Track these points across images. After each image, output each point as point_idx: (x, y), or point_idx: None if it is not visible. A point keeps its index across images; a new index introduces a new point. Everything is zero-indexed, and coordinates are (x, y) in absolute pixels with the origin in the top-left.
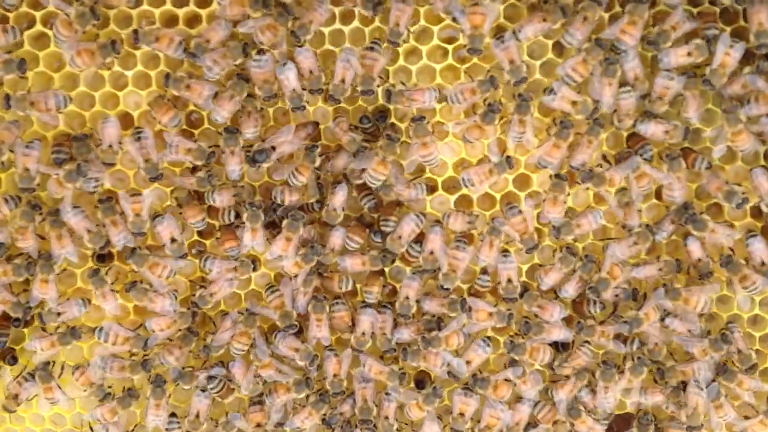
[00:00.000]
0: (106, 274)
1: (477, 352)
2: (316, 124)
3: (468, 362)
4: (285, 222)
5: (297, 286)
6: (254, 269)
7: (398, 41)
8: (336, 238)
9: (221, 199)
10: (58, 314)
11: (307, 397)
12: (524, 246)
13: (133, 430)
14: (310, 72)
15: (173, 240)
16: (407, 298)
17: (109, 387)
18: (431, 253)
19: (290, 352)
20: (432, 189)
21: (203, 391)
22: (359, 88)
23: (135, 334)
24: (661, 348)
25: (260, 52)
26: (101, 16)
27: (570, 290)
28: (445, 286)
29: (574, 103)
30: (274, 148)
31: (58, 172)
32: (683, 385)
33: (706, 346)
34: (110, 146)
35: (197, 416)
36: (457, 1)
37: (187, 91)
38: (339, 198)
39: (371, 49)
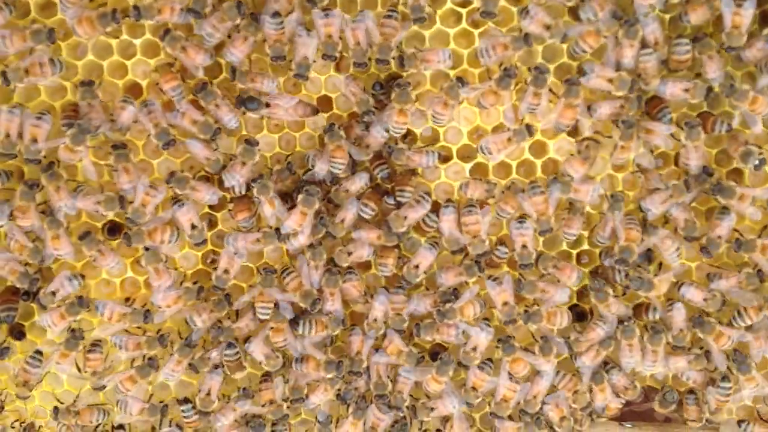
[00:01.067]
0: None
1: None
2: (317, 110)
3: None
4: (300, 197)
5: (306, 261)
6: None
7: (423, 15)
8: (348, 212)
9: (238, 179)
10: (53, 293)
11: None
12: (539, 227)
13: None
14: (329, 37)
15: (193, 226)
16: (416, 266)
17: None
18: (451, 234)
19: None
20: (446, 158)
21: (216, 368)
22: (376, 56)
23: (132, 309)
24: (685, 334)
25: (276, 14)
26: None
27: (606, 234)
28: (477, 253)
29: (610, 80)
30: (269, 104)
31: (63, 140)
32: (707, 353)
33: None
34: (120, 128)
35: (208, 393)
36: None
37: (182, 53)
38: (357, 184)
39: (389, 17)
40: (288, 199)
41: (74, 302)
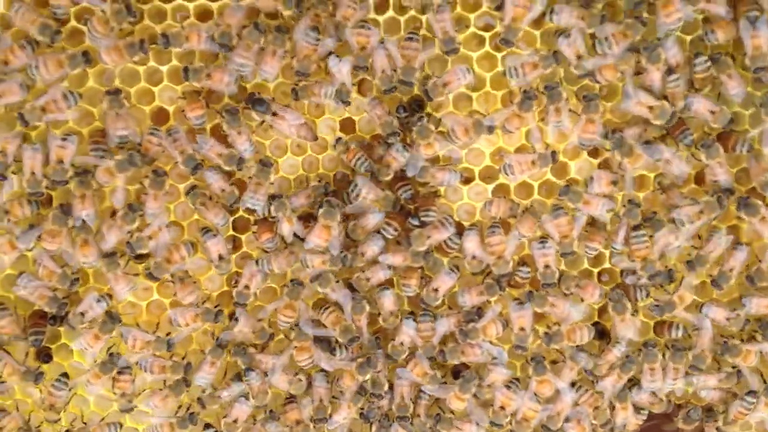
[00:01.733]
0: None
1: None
2: (316, 138)
3: None
4: (321, 210)
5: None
6: None
7: (456, 47)
8: (371, 220)
9: (258, 199)
10: (83, 314)
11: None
12: (562, 249)
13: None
14: (383, 71)
15: (221, 257)
16: (436, 290)
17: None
18: (474, 257)
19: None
20: (468, 180)
21: (244, 398)
22: (400, 78)
23: (156, 337)
24: (706, 356)
25: (315, 29)
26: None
27: (620, 238)
28: (501, 274)
29: (651, 107)
30: (275, 114)
31: (108, 162)
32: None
33: None
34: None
35: (235, 421)
36: None
37: (208, 80)
38: (372, 222)
39: (411, 39)
40: (311, 219)
41: (105, 320)
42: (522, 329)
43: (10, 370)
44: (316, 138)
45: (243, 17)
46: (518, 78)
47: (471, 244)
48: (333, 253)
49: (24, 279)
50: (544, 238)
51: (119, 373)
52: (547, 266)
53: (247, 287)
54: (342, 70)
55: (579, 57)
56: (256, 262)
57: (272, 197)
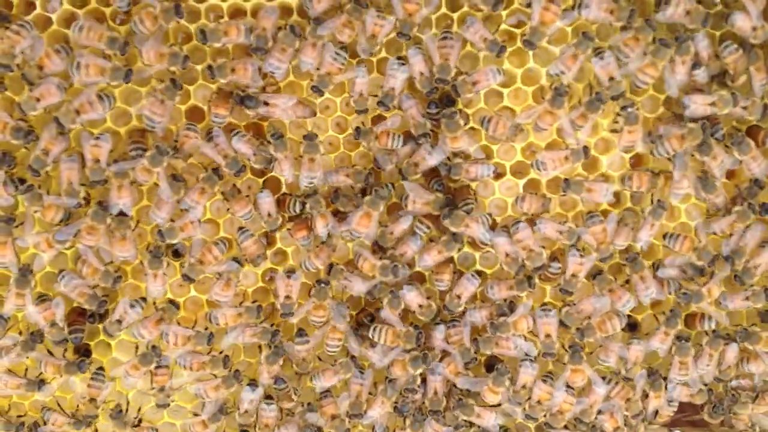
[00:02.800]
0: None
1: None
2: (315, 112)
3: None
4: (368, 198)
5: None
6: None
7: (503, 47)
8: (402, 224)
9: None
10: (119, 322)
11: (376, 384)
12: (600, 255)
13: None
14: (421, 74)
15: (259, 255)
16: (458, 296)
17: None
18: (507, 255)
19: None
20: (499, 175)
21: (268, 404)
22: (436, 77)
23: (195, 332)
24: (731, 370)
25: (344, 48)
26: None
27: (644, 238)
28: (536, 267)
29: (713, 103)
30: (267, 103)
31: (142, 161)
32: None
33: None
34: (183, 155)
35: (266, 425)
36: None
37: (233, 74)
38: (401, 226)
39: (446, 38)
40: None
41: (168, 306)
42: (548, 336)
43: (52, 368)
44: (314, 113)
45: (277, 19)
46: (565, 74)
47: (502, 239)
48: (366, 242)
49: (66, 277)
50: (576, 248)
51: (157, 367)
52: (574, 275)
53: (288, 297)
54: (397, 76)
55: (611, 79)
56: (287, 273)
57: (307, 195)
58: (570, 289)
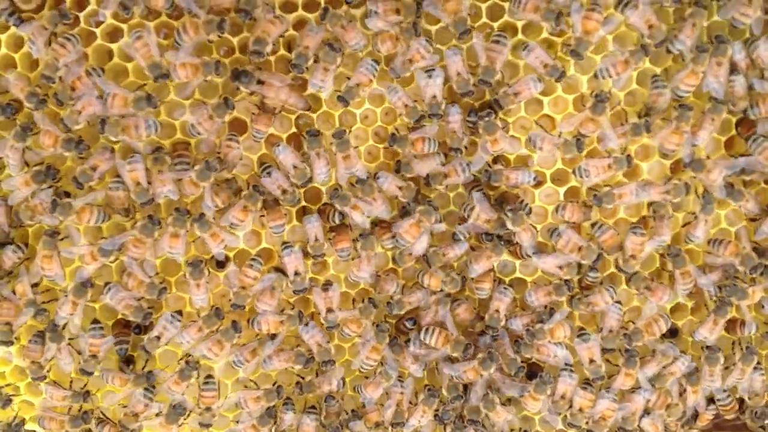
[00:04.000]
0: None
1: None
2: (309, 107)
3: None
4: (421, 207)
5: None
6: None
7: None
8: (456, 251)
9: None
10: (158, 338)
11: (417, 394)
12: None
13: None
14: (458, 74)
15: (297, 273)
16: (497, 311)
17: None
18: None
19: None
20: (539, 183)
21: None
22: (480, 78)
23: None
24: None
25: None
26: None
27: (700, 235)
28: (593, 260)
29: None
30: (261, 81)
31: (191, 173)
32: None
33: None
34: (227, 167)
35: None
36: (577, 1)
37: (260, 87)
38: (456, 251)
39: (497, 42)
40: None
41: (212, 314)
42: (592, 361)
43: (120, 381)
44: (308, 107)
45: (321, 39)
46: (610, 79)
47: (544, 260)
48: (417, 250)
49: (112, 290)
50: (583, 331)
51: (204, 387)
52: (592, 360)
53: (330, 310)
54: (437, 82)
55: (651, 26)
56: (323, 286)
57: (332, 196)
58: (597, 375)
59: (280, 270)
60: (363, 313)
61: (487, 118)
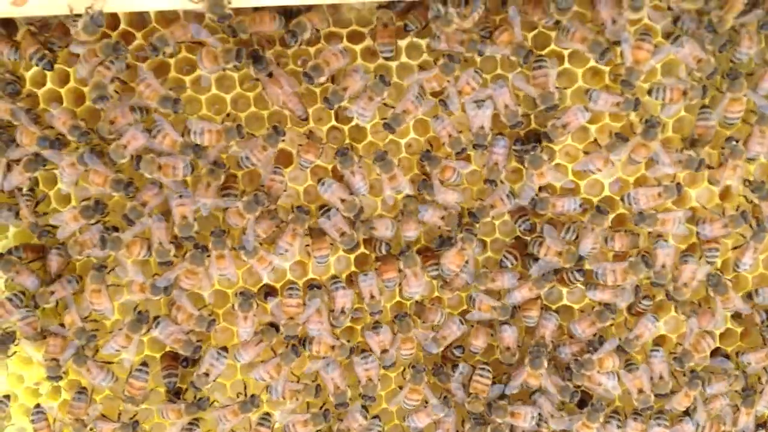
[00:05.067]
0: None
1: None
2: (305, 114)
3: None
4: (462, 234)
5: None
6: None
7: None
8: (506, 281)
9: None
10: (206, 375)
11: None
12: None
13: None
14: (506, 107)
15: (343, 311)
16: (542, 337)
17: None
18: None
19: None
20: (586, 210)
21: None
22: (541, 107)
23: (303, 385)
24: None
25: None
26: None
27: (748, 261)
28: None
29: None
30: (272, 75)
31: (237, 204)
32: None
33: None
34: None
35: None
36: (626, 31)
37: (267, 79)
38: (507, 281)
39: (539, 67)
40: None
41: (266, 330)
42: (641, 391)
43: (174, 414)
44: (305, 114)
45: (364, 85)
46: (665, 100)
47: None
48: (468, 279)
49: (161, 324)
50: (630, 361)
51: (261, 421)
52: (641, 390)
53: (385, 351)
54: (486, 113)
55: (699, 61)
56: (373, 328)
57: (355, 217)
58: (645, 405)
59: (316, 285)
60: (414, 380)
61: (533, 152)
